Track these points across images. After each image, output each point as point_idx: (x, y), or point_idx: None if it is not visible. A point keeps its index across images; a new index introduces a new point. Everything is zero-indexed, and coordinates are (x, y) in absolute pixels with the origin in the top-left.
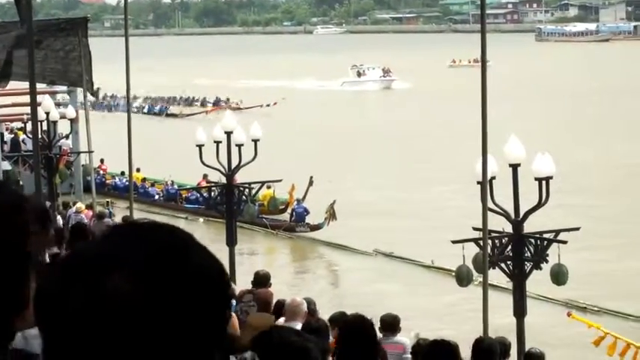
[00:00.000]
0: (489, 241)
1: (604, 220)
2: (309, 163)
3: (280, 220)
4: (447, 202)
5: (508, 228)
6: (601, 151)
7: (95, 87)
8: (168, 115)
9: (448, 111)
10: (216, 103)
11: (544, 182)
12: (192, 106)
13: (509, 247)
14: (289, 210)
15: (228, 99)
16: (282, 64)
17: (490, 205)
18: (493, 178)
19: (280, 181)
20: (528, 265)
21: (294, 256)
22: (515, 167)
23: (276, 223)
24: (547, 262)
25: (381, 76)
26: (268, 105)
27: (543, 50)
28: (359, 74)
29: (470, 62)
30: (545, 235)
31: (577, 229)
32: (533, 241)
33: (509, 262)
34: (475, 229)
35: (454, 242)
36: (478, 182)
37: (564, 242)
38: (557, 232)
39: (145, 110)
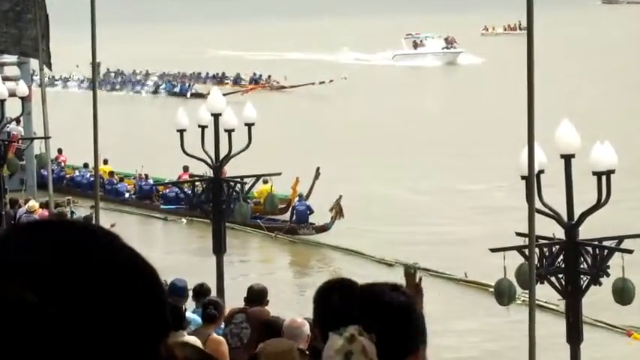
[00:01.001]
0: (537, 250)
1: None
2: (331, 155)
3: (279, 220)
4: (486, 202)
5: (559, 233)
6: None
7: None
8: (192, 96)
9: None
10: (255, 81)
11: (604, 177)
12: (222, 84)
13: (561, 256)
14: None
15: (269, 76)
16: (291, 31)
17: (538, 205)
18: (541, 172)
19: (279, 174)
20: (584, 280)
21: (296, 264)
22: (568, 159)
23: (274, 225)
24: (608, 275)
25: (443, 48)
26: (322, 82)
27: (612, 16)
28: (415, 45)
29: (505, 29)
30: (606, 243)
31: None
32: (590, 249)
33: (560, 276)
34: (519, 234)
35: (493, 250)
36: (523, 177)
37: (630, 251)
38: (621, 238)
39: (163, 89)
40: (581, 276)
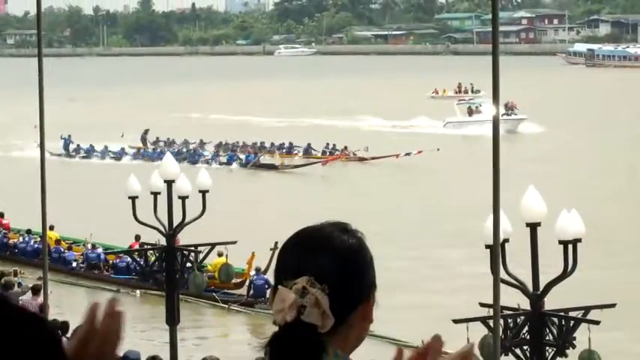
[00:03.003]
0: (501, 321)
1: None
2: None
3: (235, 295)
4: (451, 271)
5: (525, 304)
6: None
7: (144, 129)
8: (258, 167)
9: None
10: (330, 151)
11: (570, 246)
12: (291, 154)
13: (526, 328)
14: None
15: (345, 147)
16: (286, 95)
17: (502, 275)
18: (506, 240)
19: (235, 243)
20: (550, 352)
21: (252, 337)
22: (534, 227)
23: (230, 299)
24: (574, 347)
25: (502, 114)
26: (408, 154)
27: (597, 79)
28: (470, 112)
29: (457, 92)
30: (572, 314)
31: (613, 305)
32: (556, 320)
33: (525, 348)
34: (483, 305)
35: (456, 322)
36: (487, 246)
37: (597, 322)
38: (588, 309)
39: (224, 160)
40: (547, 348)
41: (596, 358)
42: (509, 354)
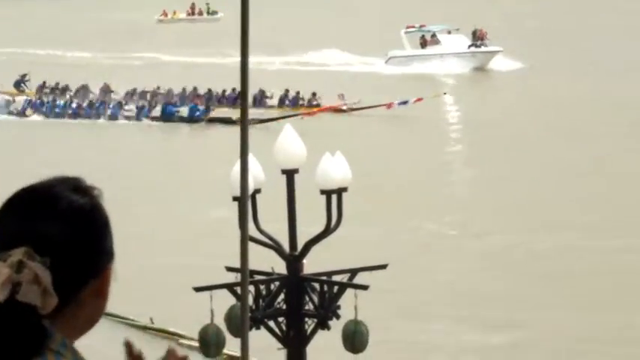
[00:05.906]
0: (251, 288)
1: (426, 248)
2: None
3: None
4: (197, 231)
5: (280, 267)
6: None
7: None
8: (210, 121)
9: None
10: (292, 100)
11: (334, 197)
12: (259, 105)
13: (282, 295)
14: None
15: (314, 94)
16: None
17: (253, 232)
18: (257, 191)
19: None
20: (310, 323)
21: None
22: (290, 174)
23: None
24: (338, 317)
25: (470, 46)
26: (404, 102)
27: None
28: (424, 42)
29: (189, 14)
30: (336, 278)
31: (384, 266)
32: (317, 286)
33: (281, 319)
34: (230, 269)
35: (197, 290)
36: (235, 198)
37: (365, 287)
38: (354, 271)
39: (158, 114)
40: (307, 319)
41: (363, 330)
42: (261, 327)
